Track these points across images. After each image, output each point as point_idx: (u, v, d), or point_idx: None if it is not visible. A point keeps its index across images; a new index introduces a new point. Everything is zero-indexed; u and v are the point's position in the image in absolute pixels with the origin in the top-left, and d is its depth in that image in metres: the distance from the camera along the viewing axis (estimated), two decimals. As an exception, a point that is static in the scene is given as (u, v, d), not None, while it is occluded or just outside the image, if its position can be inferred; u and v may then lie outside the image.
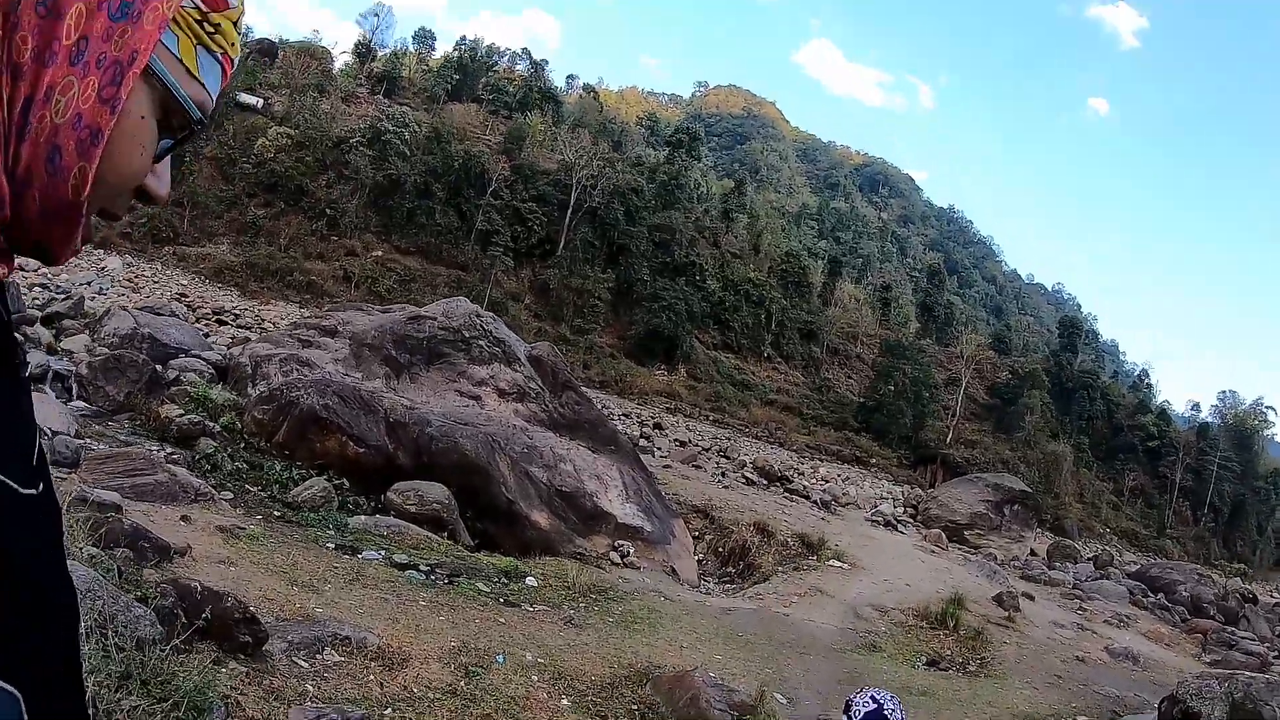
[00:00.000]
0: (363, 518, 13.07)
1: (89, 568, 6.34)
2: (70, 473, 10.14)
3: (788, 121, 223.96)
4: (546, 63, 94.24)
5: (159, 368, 17.45)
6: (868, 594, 15.12)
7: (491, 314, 22.58)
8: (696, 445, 39.51)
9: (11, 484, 0.77)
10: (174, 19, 0.82)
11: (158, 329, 19.18)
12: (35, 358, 15.40)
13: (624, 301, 69.22)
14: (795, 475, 30.97)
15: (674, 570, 15.89)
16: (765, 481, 26.59)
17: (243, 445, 15.07)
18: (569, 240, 69.91)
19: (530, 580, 11.96)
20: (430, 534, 13.33)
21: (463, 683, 7.50)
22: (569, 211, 70.16)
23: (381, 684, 7.06)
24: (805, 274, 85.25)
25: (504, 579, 11.80)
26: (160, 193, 0.89)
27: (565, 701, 7.63)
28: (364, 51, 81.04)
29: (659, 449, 31.02)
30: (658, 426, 41.59)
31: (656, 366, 65.84)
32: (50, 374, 15.08)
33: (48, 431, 11.49)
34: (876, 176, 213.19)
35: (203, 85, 0.87)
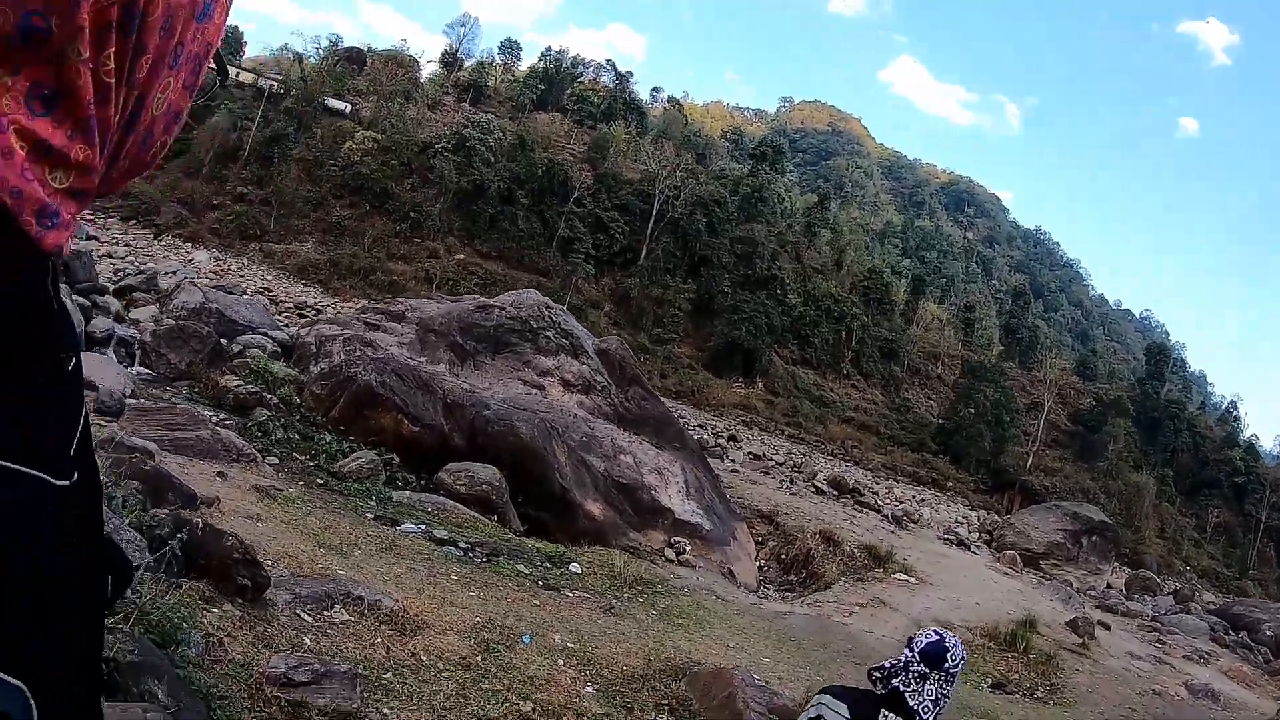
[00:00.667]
0: (408, 493, 12.68)
1: None
2: (111, 421, 9.97)
3: (873, 138, 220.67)
4: (631, 75, 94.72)
5: (224, 341, 17.48)
6: (934, 609, 14.09)
7: (562, 307, 22.23)
8: (770, 459, 38.50)
9: (45, 477, 0.76)
10: None
11: (227, 305, 19.27)
12: (101, 323, 15.51)
13: (704, 313, 68.55)
14: (868, 492, 29.71)
15: (731, 572, 15.08)
16: (835, 493, 25.51)
17: (298, 418, 14.88)
18: (650, 250, 69.68)
19: (575, 567, 11.35)
20: (477, 515, 12.85)
21: (479, 657, 6.88)
22: (651, 221, 69.98)
23: (389, 648, 6.48)
24: (888, 291, 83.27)
25: (547, 563, 11.22)
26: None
27: (590, 689, 6.93)
28: (450, 61, 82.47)
29: (731, 460, 30.17)
30: (732, 439, 40.69)
31: (734, 379, 64.88)
32: (114, 338, 15.16)
33: (96, 385, 11.39)
34: (962, 195, 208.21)
35: None
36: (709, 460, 20.10)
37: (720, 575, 14.77)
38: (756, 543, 17.16)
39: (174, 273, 33.14)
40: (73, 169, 0.78)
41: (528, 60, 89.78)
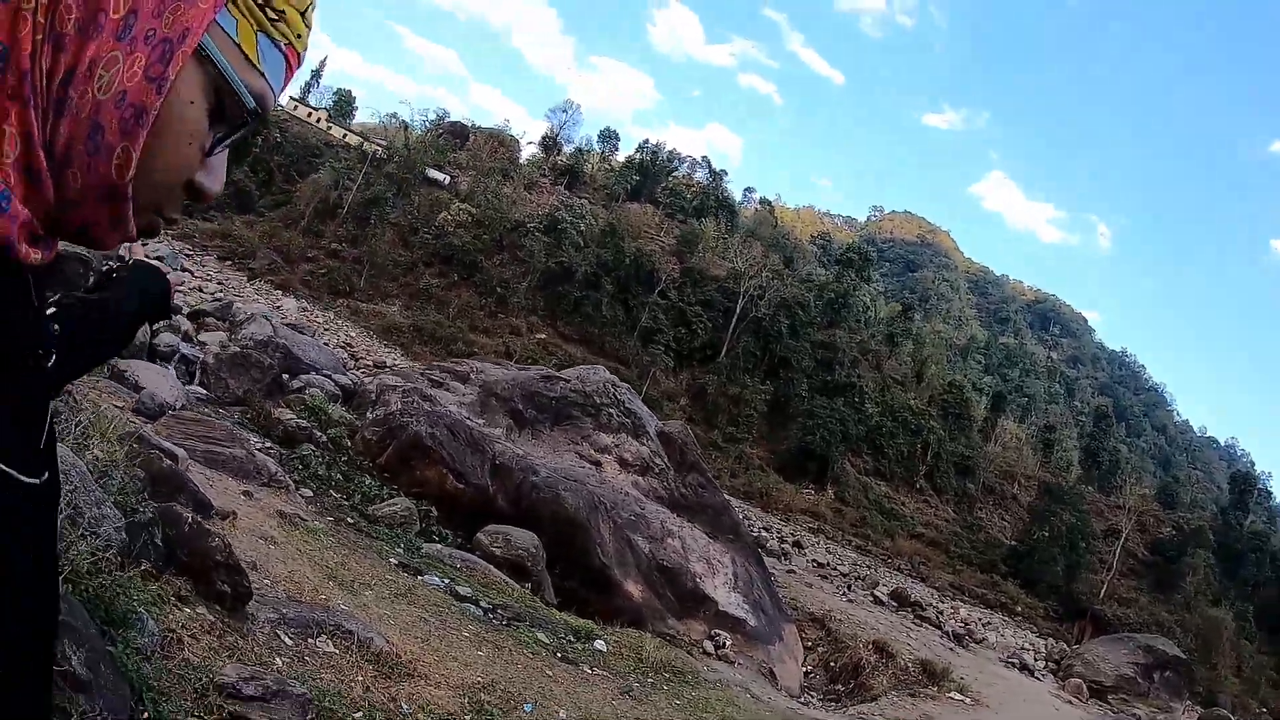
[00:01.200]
0: (440, 546, 12.13)
1: (77, 456, 5.60)
2: (146, 423, 9.76)
3: (961, 251, 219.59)
4: (725, 174, 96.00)
5: (285, 376, 17.56)
6: None
7: (628, 386, 21.88)
8: (835, 569, 36.87)
9: (12, 472, 0.73)
10: (232, 0, 0.77)
11: (295, 343, 19.43)
12: (167, 338, 15.77)
13: (779, 415, 67.45)
14: (930, 607, 27.93)
15: (773, 673, 14.02)
16: (895, 604, 23.96)
17: (344, 459, 14.62)
18: (731, 347, 69.36)
19: (600, 644, 10.54)
20: (508, 579, 12.20)
21: (468, 716, 6.19)
22: (734, 319, 69.89)
23: (368, 687, 5.86)
24: (967, 407, 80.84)
25: (572, 637, 10.44)
26: (211, 189, 0.82)
27: None
28: (550, 144, 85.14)
29: (791, 563, 28.87)
30: (797, 544, 39.13)
31: (805, 484, 63.14)
32: (177, 355, 15.37)
33: (140, 386, 11.31)
34: (1048, 314, 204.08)
35: (262, 74, 0.81)
36: (764, 558, 19.09)
37: (760, 675, 13.74)
38: (805, 647, 16.06)
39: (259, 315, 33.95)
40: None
41: (625, 151, 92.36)
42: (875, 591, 24.85)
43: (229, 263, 55.76)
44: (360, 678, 5.96)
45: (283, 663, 5.66)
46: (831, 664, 15.36)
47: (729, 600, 14.88)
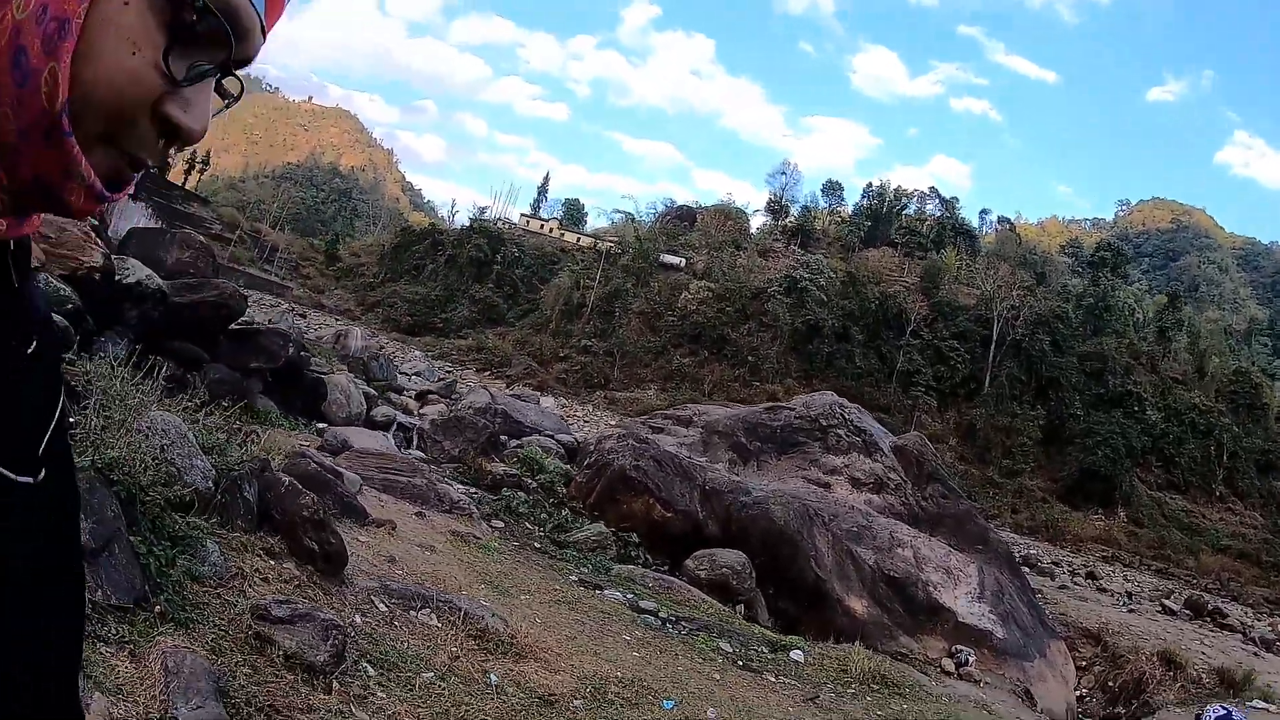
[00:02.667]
0: (634, 568, 11.55)
1: (180, 417, 5.86)
2: (327, 456, 10.16)
3: (1221, 228, 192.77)
4: (957, 200, 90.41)
5: (504, 438, 18.03)
6: None
7: (857, 406, 20.54)
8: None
9: (4, 472, 0.69)
10: None
11: (515, 409, 20.05)
12: (384, 410, 16.82)
13: (1055, 440, 60.99)
14: (1233, 615, 22.87)
15: (1029, 693, 11.90)
16: (1189, 613, 19.89)
17: (551, 501, 14.57)
18: (994, 377, 64.31)
19: (797, 654, 9.39)
20: (710, 598, 11.35)
21: (577, 701, 5.49)
22: (991, 347, 64.99)
23: (457, 656, 5.37)
24: (1259, 395, 68.07)
25: (765, 648, 9.39)
26: (188, 123, 0.69)
27: None
28: (776, 208, 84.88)
29: (1067, 584, 25.21)
30: (1090, 576, 34.38)
31: (1092, 510, 55.97)
32: (395, 424, 16.21)
33: (322, 427, 11.90)
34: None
35: None
36: (1027, 573, 16.70)
37: (1012, 695, 11.70)
38: (1079, 667, 13.62)
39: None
40: None
41: (851, 200, 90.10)
42: (1163, 600, 20.79)
43: (487, 373, 59.82)
44: (452, 648, 5.51)
45: (363, 622, 5.34)
46: (1110, 684, 12.83)
47: (970, 610, 12.98)
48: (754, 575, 12.55)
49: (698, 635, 8.91)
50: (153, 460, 4.85)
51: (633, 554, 12.73)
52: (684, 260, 73.77)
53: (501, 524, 11.67)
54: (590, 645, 7.08)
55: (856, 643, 10.11)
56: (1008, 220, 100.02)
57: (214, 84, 0.72)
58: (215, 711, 3.55)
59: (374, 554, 7.38)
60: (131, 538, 4.28)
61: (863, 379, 64.64)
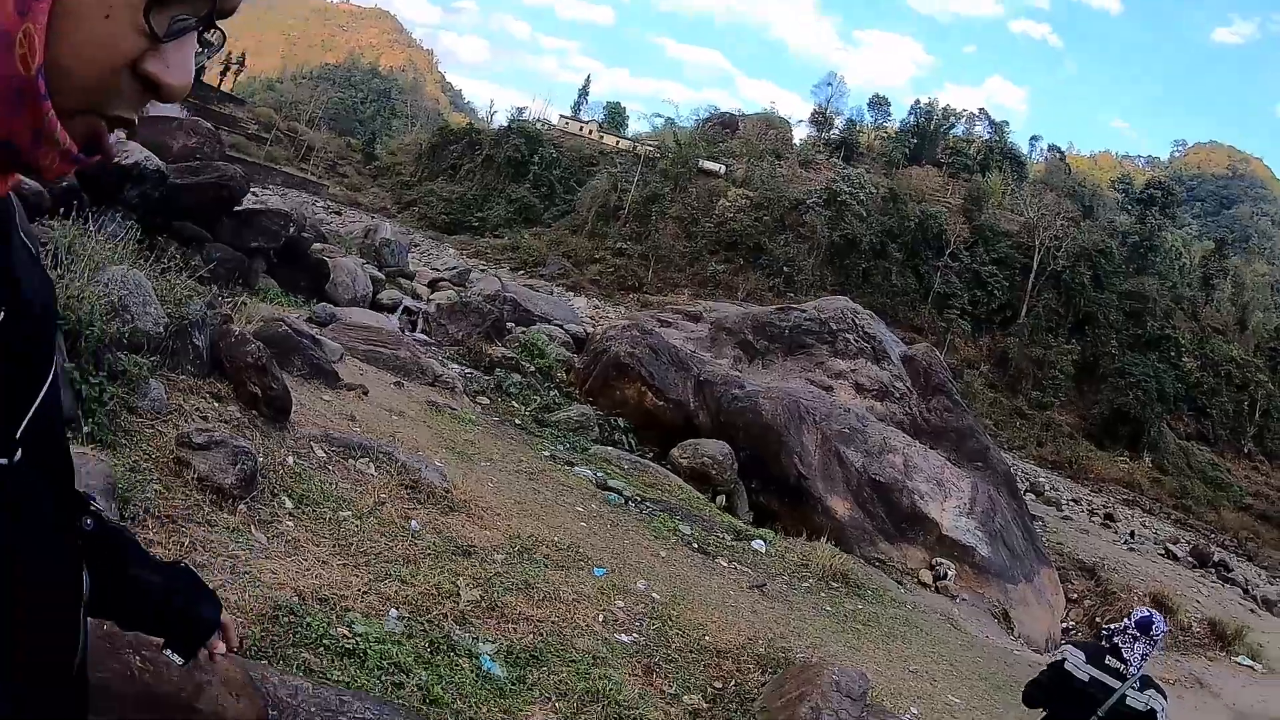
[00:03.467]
0: (614, 449, 11.55)
1: (144, 273, 5.98)
2: (313, 328, 10.20)
3: (1279, 180, 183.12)
4: (1007, 124, 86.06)
5: (510, 324, 17.98)
6: (1275, 706, 9.76)
7: (870, 313, 20.15)
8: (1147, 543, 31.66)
9: None
10: None
11: (525, 297, 19.97)
12: (388, 294, 16.81)
13: (1088, 376, 59.53)
14: (1238, 570, 22.50)
15: (1006, 615, 11.82)
16: (1193, 561, 19.62)
17: (550, 388, 14.55)
18: (1031, 307, 62.66)
19: (758, 544, 9.34)
20: (688, 486, 11.35)
21: (498, 555, 5.47)
22: (1031, 276, 63.22)
23: (382, 501, 5.37)
24: None
25: (729, 536, 9.35)
26: (169, 80, 0.67)
27: (622, 636, 5.11)
28: (820, 120, 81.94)
29: (1070, 515, 24.90)
30: (1109, 518, 34.03)
31: (1118, 451, 55.05)
32: (401, 307, 16.22)
33: (315, 303, 11.93)
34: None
35: None
36: (1028, 498, 16.53)
37: (988, 615, 11.63)
38: (1069, 599, 13.47)
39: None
40: None
41: (898, 116, 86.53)
42: (1168, 544, 20.43)
43: (521, 272, 59.52)
44: (380, 495, 5.50)
45: (294, 460, 5.36)
46: (1097, 619, 12.70)
47: (957, 525, 12.85)
48: (736, 467, 12.51)
49: (658, 515, 8.89)
50: (102, 303, 4.91)
51: (618, 438, 12.74)
52: (723, 168, 72.00)
53: (487, 401, 11.70)
54: (536, 511, 7.07)
55: (823, 539, 10.04)
56: (1058, 149, 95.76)
57: (195, 35, 0.69)
58: (99, 505, 3.55)
59: (334, 411, 7.41)
60: (67, 364, 4.42)
61: (898, 297, 63.36)
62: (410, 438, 7.69)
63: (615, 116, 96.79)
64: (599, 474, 9.78)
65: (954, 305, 62.24)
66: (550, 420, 11.92)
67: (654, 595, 6.09)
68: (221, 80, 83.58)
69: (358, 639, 3.45)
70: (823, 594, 8.41)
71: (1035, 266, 63.18)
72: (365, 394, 8.55)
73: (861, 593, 9.04)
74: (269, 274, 12.97)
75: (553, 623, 4.62)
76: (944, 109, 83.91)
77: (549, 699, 3.83)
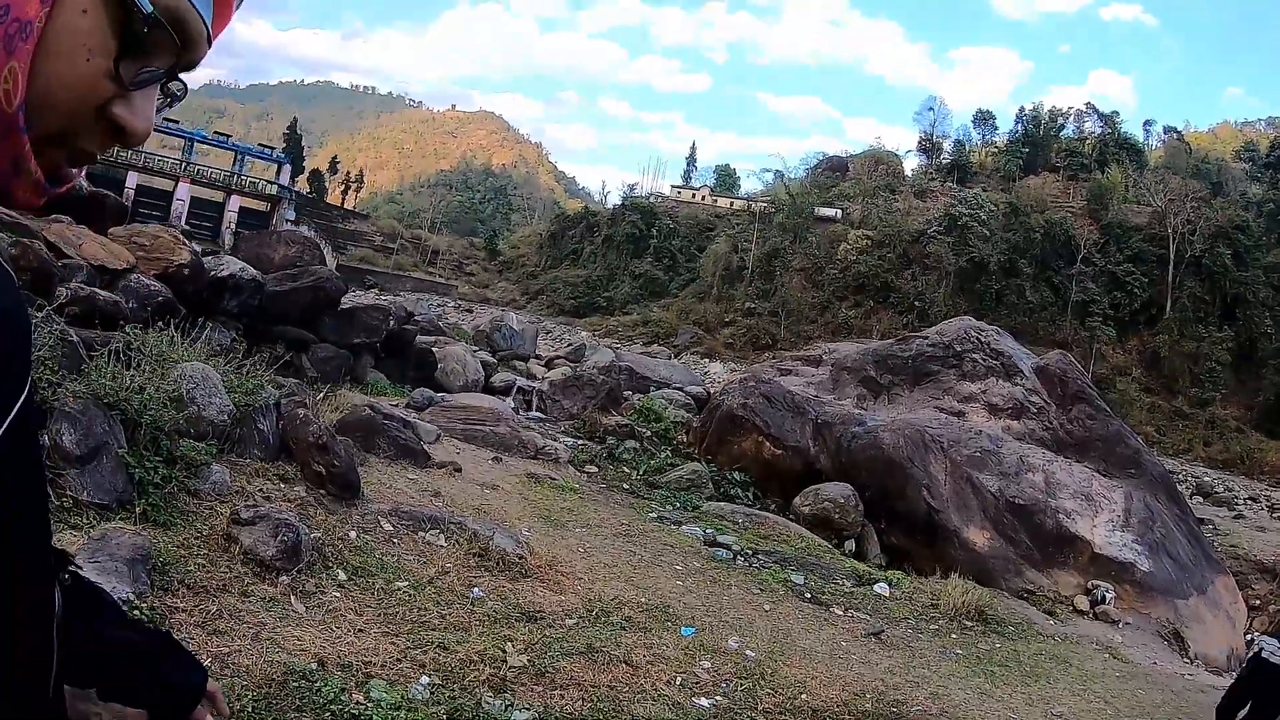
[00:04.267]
0: (729, 505, 11.17)
1: (214, 369, 6.38)
2: (412, 414, 10.47)
3: None
4: (1117, 115, 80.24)
5: (627, 392, 17.98)
6: None
7: (996, 328, 19.04)
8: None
9: None
10: None
11: (641, 365, 20.00)
12: (502, 376, 17.17)
13: (1246, 363, 53.96)
14: None
15: (1178, 636, 10.50)
16: None
17: (666, 450, 14.35)
18: (1175, 299, 57.64)
19: (881, 588, 8.65)
20: (812, 534, 10.80)
21: (572, 620, 5.24)
22: (1169, 267, 58.48)
23: (445, 570, 5.27)
24: None
25: (849, 582, 8.71)
26: (135, 124, 0.70)
27: (702, 701, 4.67)
28: (928, 147, 79.37)
29: (1244, 513, 22.11)
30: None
31: (1293, 437, 49.46)
32: (515, 388, 16.50)
33: (416, 395, 12.19)
34: None
35: None
36: (1189, 500, 14.91)
37: (1157, 637, 10.35)
38: (1251, 607, 11.90)
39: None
40: None
41: (1004, 128, 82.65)
42: None
43: (654, 345, 60.08)
44: (445, 564, 5.43)
45: (355, 535, 5.38)
46: None
47: (1111, 540, 11.61)
48: (861, 508, 11.84)
49: (769, 567, 8.43)
50: (167, 395, 5.16)
51: (734, 492, 12.34)
52: (839, 211, 71.01)
53: (595, 469, 11.60)
54: (627, 573, 6.81)
55: (954, 575, 9.21)
56: (1175, 130, 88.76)
57: (158, 86, 0.72)
58: (120, 571, 3.63)
59: (418, 489, 7.46)
60: (120, 450, 4.65)
61: (1035, 314, 59.96)
62: (499, 509, 7.65)
63: (726, 179, 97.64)
64: (709, 530, 9.42)
65: (1095, 312, 58.27)
66: (661, 482, 11.66)
67: (748, 653, 5.60)
68: (344, 199, 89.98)
69: (371, 706, 3.31)
70: (953, 635, 7.62)
71: (1172, 256, 58.38)
72: (458, 471, 8.62)
73: (1001, 629, 8.16)
74: (376, 368, 13.52)
75: (610, 688, 4.32)
76: (1050, 111, 79.94)
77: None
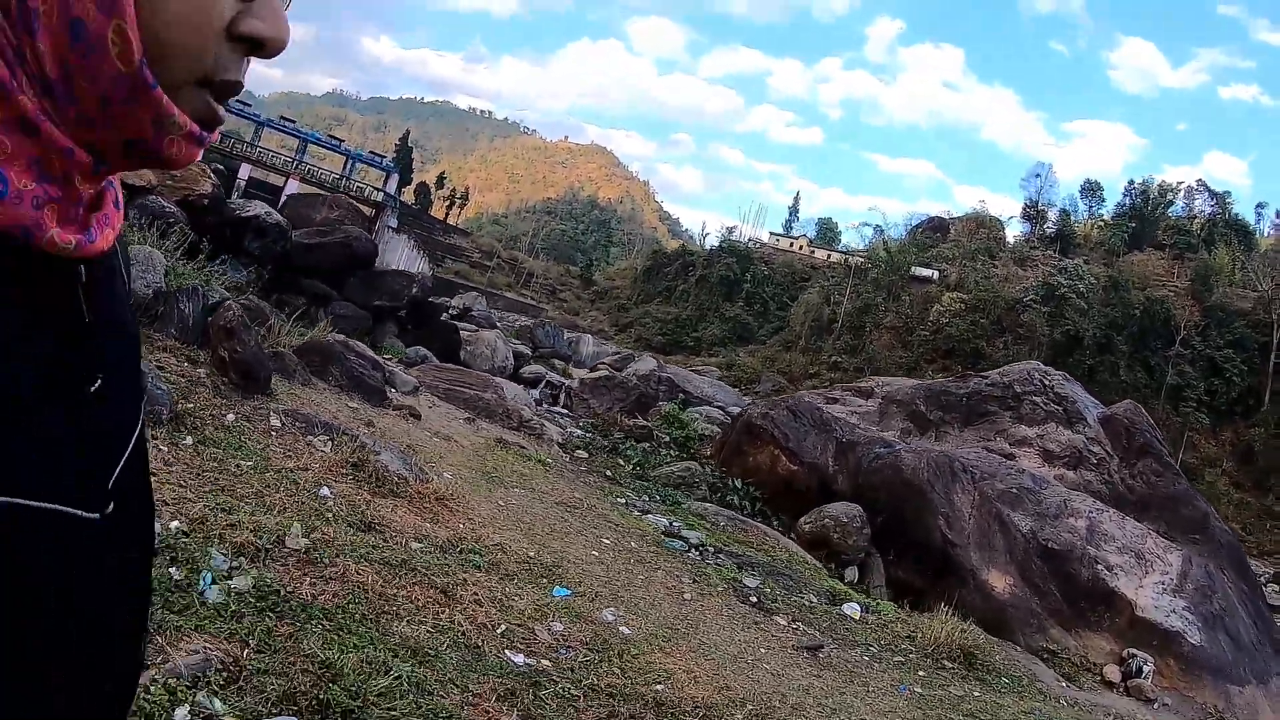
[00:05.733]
0: (715, 507, 10.11)
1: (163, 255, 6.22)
2: (405, 368, 10.05)
3: None
4: (1229, 194, 76.03)
5: (662, 403, 17.13)
6: None
7: (1064, 374, 17.39)
8: None
9: (63, 509, 0.59)
10: None
11: (684, 379, 19.11)
12: (534, 368, 16.59)
13: (1346, 466, 49.26)
14: None
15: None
16: None
17: (680, 455, 13.41)
18: (1275, 391, 53.32)
19: (851, 608, 7.43)
20: (801, 551, 9.65)
21: (417, 545, 4.44)
22: (1272, 356, 53.92)
23: (321, 482, 4.54)
24: None
25: (820, 598, 7.53)
26: (270, 34, 0.61)
27: (515, 657, 3.86)
28: (1033, 214, 75.96)
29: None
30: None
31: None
32: (544, 381, 15.92)
33: (409, 355, 11.65)
34: None
35: None
36: (1251, 570, 12.96)
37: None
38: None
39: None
40: None
41: (1112, 200, 79.07)
42: None
43: (738, 389, 59.04)
44: (316, 466, 4.71)
45: (233, 418, 4.77)
46: None
47: (1158, 604, 9.96)
48: (868, 533, 10.54)
49: (723, 566, 7.27)
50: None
51: (730, 499, 11.21)
52: (936, 272, 68.68)
53: (586, 455, 10.75)
54: (539, 532, 5.84)
55: (945, 616, 7.82)
56: None
57: None
58: None
59: (353, 416, 6.81)
60: None
61: (1127, 394, 55.82)
62: (433, 453, 6.88)
63: (827, 231, 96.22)
64: (675, 523, 8.42)
65: (1189, 397, 54.31)
66: (651, 475, 10.74)
67: (622, 629, 4.59)
68: (447, 214, 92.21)
69: None
70: (920, 672, 6.25)
71: (1276, 345, 54.01)
72: (414, 417, 7.96)
73: (989, 679, 6.70)
74: (400, 336, 13.16)
75: (386, 598, 3.48)
76: (1160, 186, 75.72)
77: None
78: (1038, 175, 78.74)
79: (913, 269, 69.11)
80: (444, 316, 15.48)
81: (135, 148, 0.58)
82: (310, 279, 11.87)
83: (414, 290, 13.47)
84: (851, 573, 10.34)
